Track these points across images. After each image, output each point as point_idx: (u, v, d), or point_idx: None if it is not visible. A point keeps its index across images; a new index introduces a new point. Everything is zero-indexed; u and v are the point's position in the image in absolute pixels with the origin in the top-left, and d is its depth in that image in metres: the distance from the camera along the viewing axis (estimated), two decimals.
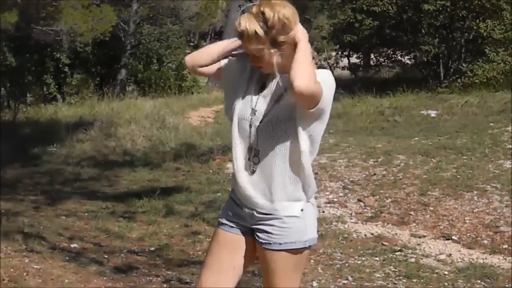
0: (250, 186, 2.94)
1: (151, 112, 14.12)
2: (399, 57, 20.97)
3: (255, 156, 2.92)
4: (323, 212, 7.76)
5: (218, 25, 43.30)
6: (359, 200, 8.20)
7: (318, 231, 6.64)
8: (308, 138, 2.88)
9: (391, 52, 20.93)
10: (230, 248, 3.06)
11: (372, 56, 22.88)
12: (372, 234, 6.96)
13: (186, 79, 24.05)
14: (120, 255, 5.93)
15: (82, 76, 21.71)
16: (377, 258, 6.17)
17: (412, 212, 7.58)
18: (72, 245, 6.10)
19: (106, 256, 5.84)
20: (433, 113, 14.35)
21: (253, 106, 2.93)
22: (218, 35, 40.93)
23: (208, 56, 3.04)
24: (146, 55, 24.13)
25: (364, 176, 9.19)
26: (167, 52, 24.42)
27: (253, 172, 2.93)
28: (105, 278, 5.22)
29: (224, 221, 3.08)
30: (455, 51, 17.75)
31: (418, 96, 15.98)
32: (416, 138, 11.58)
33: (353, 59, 23.45)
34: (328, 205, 8.11)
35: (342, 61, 23.51)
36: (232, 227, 3.06)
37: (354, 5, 19.40)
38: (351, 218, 7.56)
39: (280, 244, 2.92)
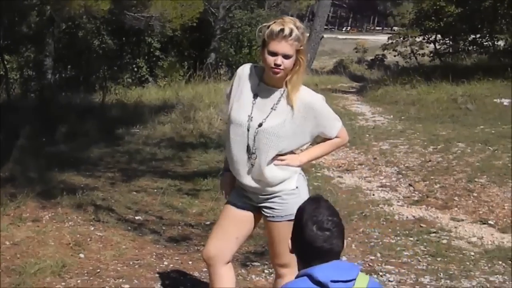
0: (250, 178, 3.62)
1: None
2: (485, 43, 20.97)
3: (252, 153, 3.56)
4: (373, 195, 8.32)
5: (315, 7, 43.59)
6: (410, 185, 8.70)
7: (362, 212, 7.27)
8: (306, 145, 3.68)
9: (476, 39, 20.94)
10: (235, 221, 3.79)
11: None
12: (414, 216, 7.43)
13: None
14: (177, 227, 6.65)
15: (172, 60, 22.67)
16: (411, 238, 6.65)
17: (456, 198, 8.02)
18: (136, 217, 6.86)
19: (164, 228, 6.57)
20: (506, 102, 14.49)
21: (249, 113, 3.56)
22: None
23: None
24: (236, 39, 24.91)
25: (420, 162, 9.66)
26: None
27: (249, 169, 3.60)
28: (158, 246, 5.97)
29: (233, 200, 3.79)
30: None
31: (494, 85, 16.10)
32: (481, 127, 11.89)
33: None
34: (380, 188, 8.65)
35: (427, 47, 23.66)
36: (239, 205, 3.76)
37: None
38: (398, 202, 8.06)
39: (282, 216, 3.63)
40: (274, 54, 3.40)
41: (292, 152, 3.63)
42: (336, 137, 3.66)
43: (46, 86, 17.47)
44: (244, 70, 3.68)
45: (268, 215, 3.66)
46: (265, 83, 3.56)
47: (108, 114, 13.49)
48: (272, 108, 3.51)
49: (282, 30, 3.36)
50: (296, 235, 2.62)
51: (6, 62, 19.57)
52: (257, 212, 3.74)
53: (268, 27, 3.42)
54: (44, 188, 7.43)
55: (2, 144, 10.34)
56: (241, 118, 3.54)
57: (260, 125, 3.49)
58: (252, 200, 3.70)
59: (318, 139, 3.74)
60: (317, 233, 2.52)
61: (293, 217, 3.60)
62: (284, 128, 3.48)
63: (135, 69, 22.58)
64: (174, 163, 9.86)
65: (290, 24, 3.38)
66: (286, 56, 3.39)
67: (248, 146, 3.53)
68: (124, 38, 22.50)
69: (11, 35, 17.00)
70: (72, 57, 21.51)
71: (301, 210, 2.63)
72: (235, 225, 3.78)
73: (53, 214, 6.52)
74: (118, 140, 11.45)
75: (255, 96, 3.56)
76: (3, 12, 14.78)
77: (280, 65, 3.40)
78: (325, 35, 42.88)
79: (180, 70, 21.81)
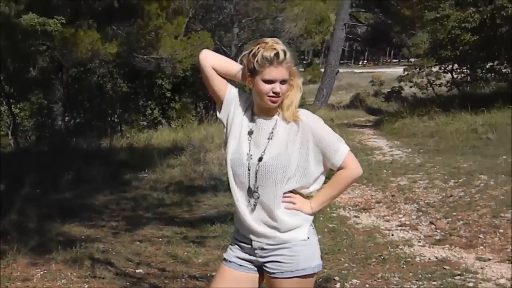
0: (254, 222, 3.13)
1: None
2: (503, 70, 20.51)
3: (254, 193, 3.11)
4: (392, 235, 7.80)
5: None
6: (431, 223, 8.18)
7: (380, 255, 6.75)
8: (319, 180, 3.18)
9: (494, 66, 20.49)
10: (235, 284, 3.26)
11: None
12: (437, 257, 6.89)
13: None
14: (180, 280, 6.16)
15: (185, 101, 22.38)
16: (434, 283, 6.09)
17: (481, 235, 7.49)
18: (137, 270, 6.40)
19: (166, 281, 6.09)
20: None
21: (247, 151, 3.12)
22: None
23: (220, 62, 3.22)
24: None
25: (441, 197, 9.16)
26: None
27: (253, 210, 3.14)
28: None
29: (232, 259, 3.27)
30: None
31: None
32: (504, 157, 11.36)
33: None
34: (399, 228, 8.13)
35: (445, 76, 23.23)
36: (239, 265, 3.25)
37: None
38: (419, 242, 7.52)
39: (291, 271, 3.12)
40: (270, 82, 3.02)
41: (302, 195, 3.17)
42: (341, 167, 3.15)
43: (55, 133, 17.23)
44: (240, 98, 3.23)
45: (275, 271, 3.15)
46: (257, 115, 3.16)
47: (116, 158, 13.16)
48: (268, 138, 3.11)
49: (277, 54, 2.98)
50: None
51: (19, 110, 19.40)
52: (260, 271, 3.26)
53: (255, 54, 3.01)
54: (39, 241, 7.00)
55: (5, 194, 10.00)
56: (241, 157, 3.12)
57: (260, 159, 3.08)
58: (253, 255, 3.21)
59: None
60: None
61: (304, 273, 3.16)
62: (286, 156, 3.06)
63: (149, 111, 22.31)
64: (181, 208, 9.47)
65: (280, 45, 3.01)
66: (282, 82, 3.03)
67: (249, 188, 3.11)
68: (137, 81, 22.27)
69: (18, 82, 16.72)
70: (83, 102, 21.26)
71: None
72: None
73: (45, 271, 6.07)
74: (125, 185, 11.08)
75: (250, 132, 3.16)
76: (8, 58, 14.56)
77: (279, 93, 3.02)
78: (341, 70, 42.72)
79: (193, 111, 21.50)
